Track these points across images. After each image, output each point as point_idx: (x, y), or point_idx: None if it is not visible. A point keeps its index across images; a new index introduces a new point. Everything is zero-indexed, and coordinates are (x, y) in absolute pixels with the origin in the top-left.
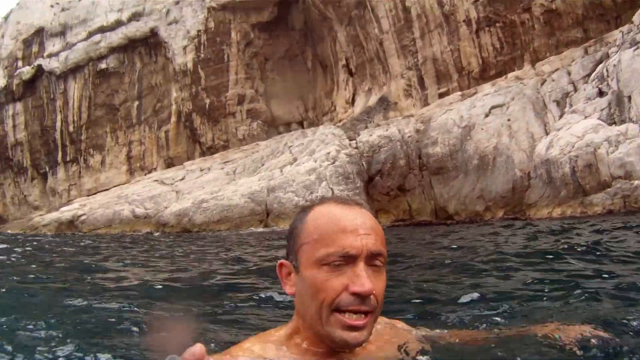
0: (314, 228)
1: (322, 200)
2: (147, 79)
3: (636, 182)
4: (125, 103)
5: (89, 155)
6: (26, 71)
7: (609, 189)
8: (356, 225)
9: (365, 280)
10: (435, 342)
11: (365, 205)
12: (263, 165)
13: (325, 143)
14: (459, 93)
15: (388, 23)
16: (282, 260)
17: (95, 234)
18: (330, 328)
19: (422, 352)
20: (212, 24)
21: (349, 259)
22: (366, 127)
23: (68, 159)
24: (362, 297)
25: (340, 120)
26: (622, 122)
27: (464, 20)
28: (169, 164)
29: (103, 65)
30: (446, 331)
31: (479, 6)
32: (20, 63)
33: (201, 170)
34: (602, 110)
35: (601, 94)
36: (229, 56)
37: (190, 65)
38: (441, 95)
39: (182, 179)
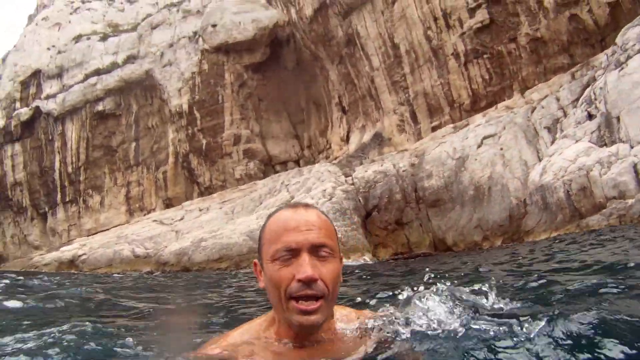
0: (267, 231)
1: (280, 207)
2: (144, 121)
3: (630, 201)
4: (123, 144)
5: (88, 195)
6: (24, 112)
7: (604, 210)
8: (298, 223)
9: (307, 268)
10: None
11: (314, 206)
12: (261, 204)
13: (322, 180)
14: (451, 125)
15: (378, 60)
16: (255, 260)
17: (95, 273)
18: (289, 314)
19: (381, 347)
20: (205, 66)
21: (293, 252)
22: (361, 164)
23: (67, 200)
24: (307, 283)
25: (335, 158)
26: (613, 142)
27: (452, 54)
28: (168, 204)
29: (100, 107)
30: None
31: (466, 39)
32: (18, 104)
33: (200, 210)
34: (592, 132)
35: (590, 117)
36: (223, 97)
37: (185, 107)
38: (434, 129)
39: (181, 219)
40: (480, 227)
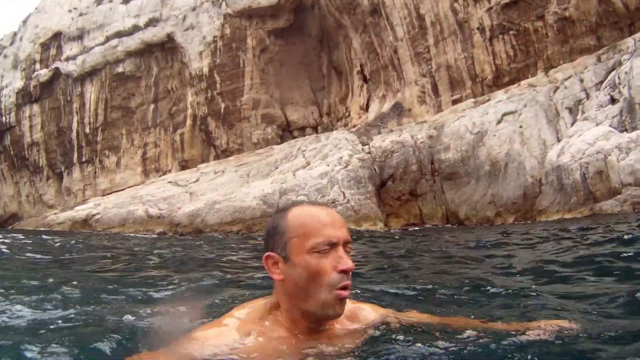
0: (299, 225)
1: (296, 203)
2: (163, 83)
3: None
4: (142, 106)
5: (104, 156)
6: (43, 74)
7: (618, 196)
8: (334, 220)
9: (348, 259)
10: (393, 325)
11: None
12: (277, 168)
13: (339, 148)
14: (472, 100)
15: (402, 30)
16: (268, 253)
17: (108, 232)
18: (328, 303)
19: (375, 336)
20: (228, 30)
21: (332, 246)
22: (379, 133)
23: (83, 160)
24: (347, 273)
25: (354, 126)
26: (634, 129)
27: (477, 28)
28: (184, 166)
29: (120, 69)
30: (416, 314)
31: (493, 14)
32: (38, 66)
33: (215, 172)
34: (613, 117)
35: (613, 101)
36: (244, 62)
37: (206, 70)
38: (454, 102)
39: (197, 180)
40: (494, 203)
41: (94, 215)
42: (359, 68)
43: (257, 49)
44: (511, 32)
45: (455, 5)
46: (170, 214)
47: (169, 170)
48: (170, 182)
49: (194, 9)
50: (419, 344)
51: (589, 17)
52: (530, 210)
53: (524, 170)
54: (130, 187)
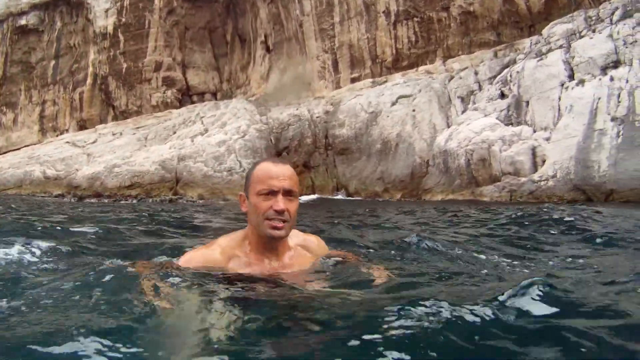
0: (256, 175)
1: (262, 160)
2: (66, 39)
3: (523, 179)
4: (42, 62)
5: (1, 112)
6: None
7: (498, 183)
8: (278, 174)
9: (280, 203)
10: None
11: (287, 162)
12: (175, 133)
13: (237, 117)
14: (370, 80)
15: (310, 5)
16: (241, 193)
17: (5, 194)
18: (264, 228)
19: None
20: None
21: (274, 193)
22: (277, 105)
23: None
24: (278, 212)
25: (253, 95)
26: (518, 124)
27: (383, 11)
28: (82, 126)
29: (23, 22)
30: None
31: (400, 0)
32: None
33: (113, 134)
34: (501, 110)
35: (503, 96)
36: (150, 23)
37: (110, 28)
38: (353, 80)
39: (94, 142)
40: (383, 179)
41: None
42: (262, 38)
43: (164, 11)
44: (415, 19)
45: None
46: (68, 176)
47: (67, 130)
48: (67, 142)
49: None
50: (344, 269)
51: (492, 14)
52: (417, 189)
53: (413, 151)
54: (27, 146)
